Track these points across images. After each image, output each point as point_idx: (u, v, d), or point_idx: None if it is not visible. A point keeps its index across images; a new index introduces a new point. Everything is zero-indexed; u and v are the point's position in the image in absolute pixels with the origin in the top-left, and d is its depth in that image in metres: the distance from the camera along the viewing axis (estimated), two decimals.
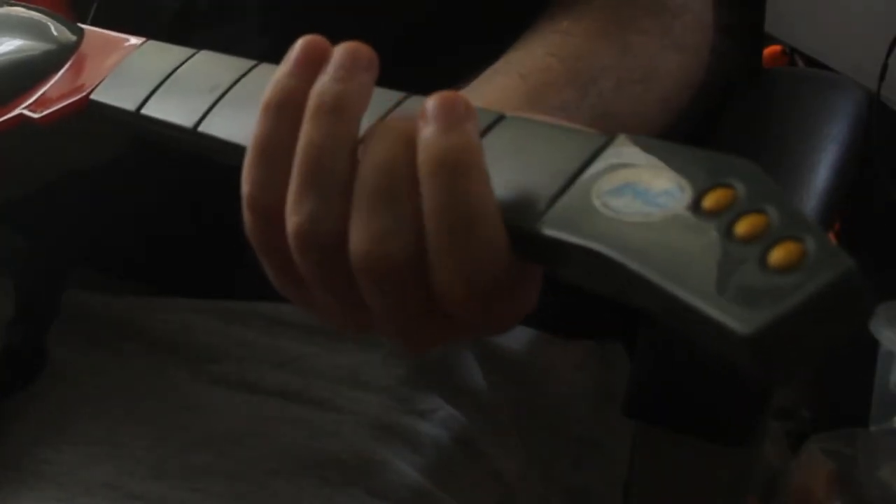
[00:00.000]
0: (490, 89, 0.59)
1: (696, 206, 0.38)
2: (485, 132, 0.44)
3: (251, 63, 0.54)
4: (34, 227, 0.72)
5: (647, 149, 0.41)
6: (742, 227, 0.37)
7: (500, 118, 0.45)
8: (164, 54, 0.59)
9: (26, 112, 0.61)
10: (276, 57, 0.71)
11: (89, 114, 0.59)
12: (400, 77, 0.64)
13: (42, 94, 0.62)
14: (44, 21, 0.67)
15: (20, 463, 0.66)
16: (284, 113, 0.45)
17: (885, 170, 1.39)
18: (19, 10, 0.69)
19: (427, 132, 0.42)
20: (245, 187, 0.45)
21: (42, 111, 0.60)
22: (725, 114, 0.84)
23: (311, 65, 0.45)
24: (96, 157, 0.63)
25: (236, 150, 0.50)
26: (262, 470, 0.65)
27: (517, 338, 0.74)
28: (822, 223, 0.75)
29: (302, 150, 0.44)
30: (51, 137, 0.61)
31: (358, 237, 0.42)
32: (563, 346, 0.76)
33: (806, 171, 0.78)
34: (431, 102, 0.42)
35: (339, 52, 0.45)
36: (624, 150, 0.41)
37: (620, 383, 0.78)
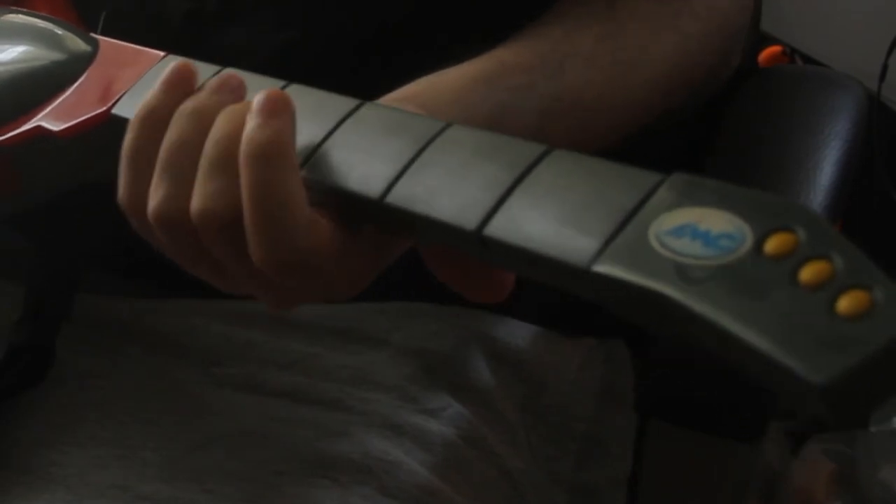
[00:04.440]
0: (451, 72, 0.62)
1: (758, 251, 0.38)
2: (532, 166, 0.44)
3: (280, 83, 0.54)
4: (41, 228, 0.72)
5: (702, 188, 0.40)
6: (807, 273, 0.36)
7: (547, 152, 0.44)
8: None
9: (44, 124, 0.60)
10: (289, 55, 0.71)
11: (110, 128, 0.58)
12: (409, 63, 0.65)
13: (59, 106, 0.61)
14: (57, 30, 0.66)
15: (29, 465, 0.66)
16: (148, 125, 0.53)
17: (885, 170, 1.39)
18: (31, 18, 0.68)
19: (249, 124, 0.49)
20: (119, 190, 0.53)
21: (61, 124, 0.60)
22: (728, 112, 0.84)
23: (177, 86, 0.53)
24: (115, 169, 0.63)
25: None
26: (272, 471, 0.65)
27: (522, 335, 0.74)
28: (829, 219, 0.75)
29: (162, 148, 0.52)
30: (68, 150, 0.60)
31: (195, 199, 0.50)
32: (566, 343, 0.76)
33: (811, 168, 0.78)
34: (257, 97, 0.49)
35: (213, 80, 0.53)
36: (679, 190, 0.41)
37: (623, 381, 0.78)
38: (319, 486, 0.64)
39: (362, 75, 0.65)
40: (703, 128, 0.83)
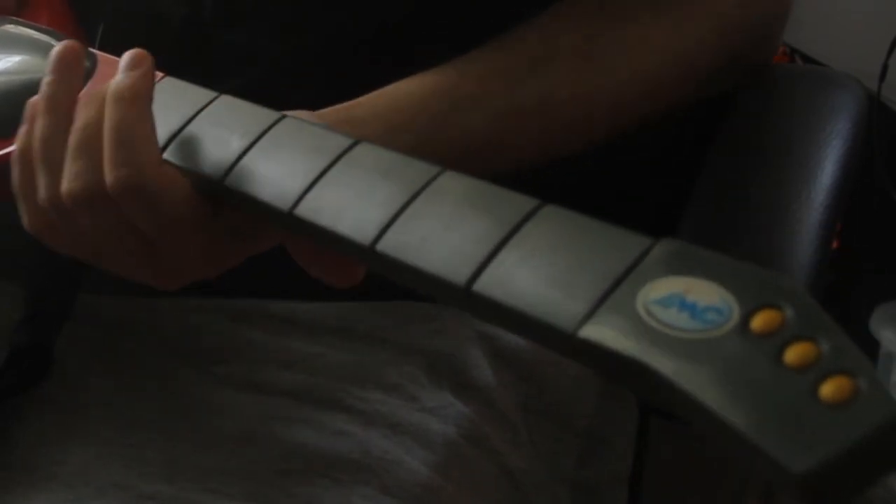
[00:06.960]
0: (402, 84, 0.66)
1: (744, 327, 0.38)
2: (523, 222, 0.44)
3: (276, 115, 0.54)
4: None
5: (692, 257, 0.40)
6: (792, 354, 0.36)
7: (538, 207, 0.45)
8: (184, 94, 0.58)
9: None
10: (289, 56, 0.71)
11: None
12: (408, 63, 0.66)
13: None
14: (55, 43, 0.66)
15: (30, 464, 0.66)
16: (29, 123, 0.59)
17: (885, 170, 1.39)
18: (27, 30, 0.68)
19: (115, 77, 0.57)
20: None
21: None
22: (728, 111, 0.84)
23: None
24: None
25: (266, 207, 0.51)
26: (274, 470, 0.65)
27: None
28: (831, 218, 0.75)
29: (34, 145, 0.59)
30: None
31: (64, 180, 0.57)
32: None
33: (811, 167, 0.78)
34: (124, 56, 0.58)
35: (51, 63, 0.60)
36: (668, 257, 0.41)
37: None
38: (320, 485, 0.64)
39: (362, 76, 0.65)
40: (703, 127, 0.83)
